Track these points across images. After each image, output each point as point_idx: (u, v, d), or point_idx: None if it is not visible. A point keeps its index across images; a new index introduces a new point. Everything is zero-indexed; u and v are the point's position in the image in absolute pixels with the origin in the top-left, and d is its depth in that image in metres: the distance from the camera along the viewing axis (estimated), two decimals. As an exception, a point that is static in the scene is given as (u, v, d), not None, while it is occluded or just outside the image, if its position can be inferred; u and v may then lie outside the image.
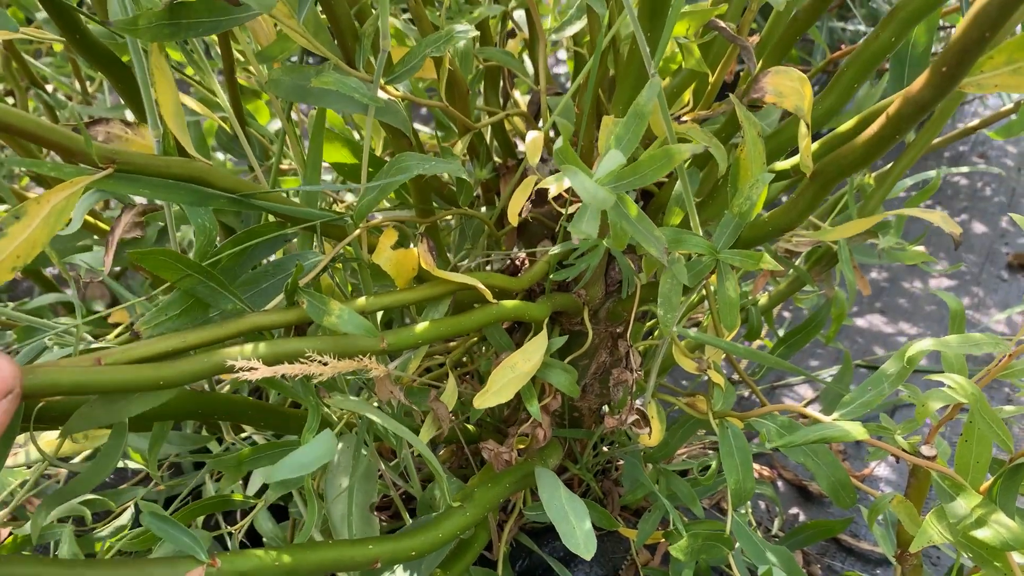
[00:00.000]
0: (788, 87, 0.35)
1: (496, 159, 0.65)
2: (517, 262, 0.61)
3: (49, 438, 0.52)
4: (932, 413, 0.50)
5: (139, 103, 0.55)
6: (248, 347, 0.36)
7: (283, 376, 0.35)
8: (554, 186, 0.42)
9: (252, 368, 0.34)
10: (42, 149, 0.89)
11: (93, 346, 0.41)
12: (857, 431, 0.50)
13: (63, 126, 0.46)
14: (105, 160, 0.35)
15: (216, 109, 0.63)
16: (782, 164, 0.53)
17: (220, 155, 0.75)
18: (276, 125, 0.71)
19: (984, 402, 0.45)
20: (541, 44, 0.54)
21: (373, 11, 0.47)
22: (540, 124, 0.60)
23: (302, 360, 0.36)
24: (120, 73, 0.53)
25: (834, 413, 0.54)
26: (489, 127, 0.60)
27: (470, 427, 0.67)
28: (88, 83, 1.02)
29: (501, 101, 0.64)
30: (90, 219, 0.68)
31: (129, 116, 0.99)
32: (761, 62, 0.48)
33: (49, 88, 0.99)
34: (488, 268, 0.62)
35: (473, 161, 0.59)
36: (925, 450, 0.53)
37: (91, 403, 0.33)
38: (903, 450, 0.53)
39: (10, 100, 0.97)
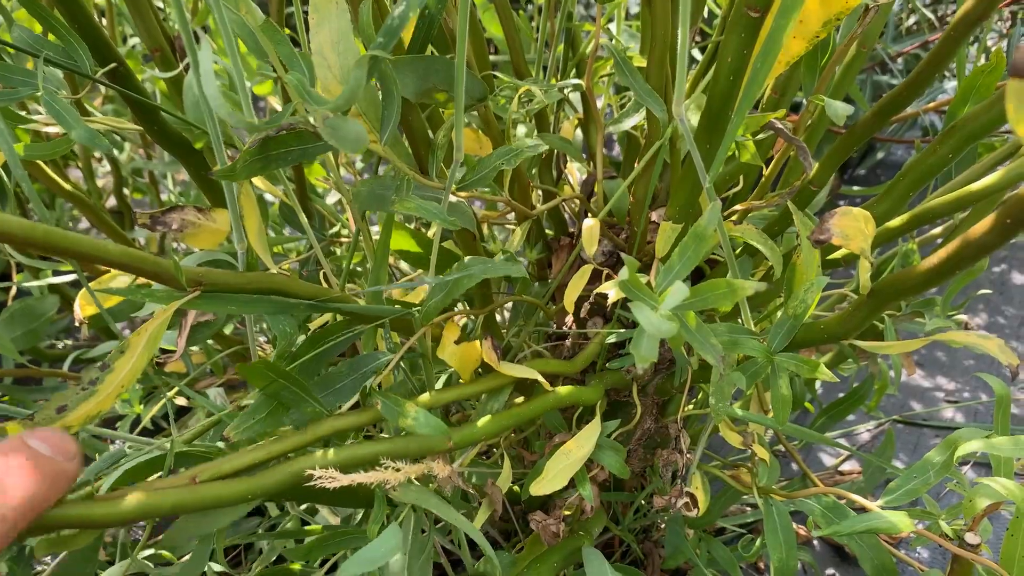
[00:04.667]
0: (853, 228, 0.37)
1: (548, 232, 0.67)
2: (567, 339, 0.63)
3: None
4: (979, 510, 0.51)
5: (211, 186, 0.58)
6: (326, 454, 0.38)
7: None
8: (613, 292, 0.44)
9: (332, 477, 0.36)
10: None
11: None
12: (904, 523, 0.50)
13: (142, 215, 0.49)
14: (193, 283, 0.37)
15: (276, 182, 0.65)
16: (836, 254, 0.55)
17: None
18: (334, 197, 0.73)
19: (1034, 507, 0.46)
20: (599, 133, 0.56)
21: (441, 111, 0.50)
22: (592, 202, 0.61)
23: (376, 467, 0.38)
24: (194, 159, 0.56)
25: (879, 500, 0.55)
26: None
27: (515, 487, 0.68)
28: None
29: (554, 175, 0.66)
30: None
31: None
32: (816, 167, 0.50)
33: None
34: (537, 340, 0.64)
35: (526, 243, 0.61)
36: (969, 538, 0.54)
37: (186, 517, 0.35)
38: (947, 537, 0.54)
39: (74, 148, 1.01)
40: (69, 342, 1.04)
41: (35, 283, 0.66)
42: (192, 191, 0.96)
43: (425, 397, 0.44)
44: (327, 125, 0.30)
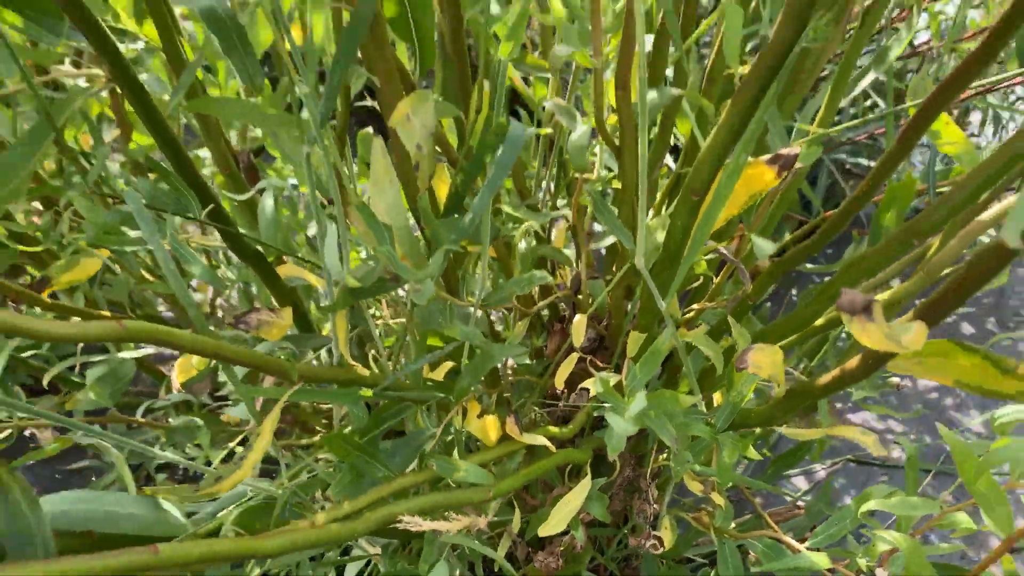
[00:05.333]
0: (766, 361, 0.51)
1: (543, 312, 0.82)
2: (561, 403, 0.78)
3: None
4: (880, 553, 0.65)
5: (280, 289, 0.72)
6: (404, 503, 0.52)
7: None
8: (592, 387, 0.58)
9: (417, 524, 0.50)
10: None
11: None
12: (822, 561, 0.65)
13: (229, 314, 0.63)
14: (300, 376, 0.51)
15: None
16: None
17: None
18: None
19: (918, 553, 0.60)
20: (584, 246, 0.71)
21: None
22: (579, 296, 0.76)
23: (444, 517, 0.53)
24: (264, 267, 0.70)
25: (807, 542, 0.69)
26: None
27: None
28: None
29: (549, 267, 0.81)
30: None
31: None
32: (756, 283, 0.65)
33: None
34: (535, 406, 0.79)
35: (530, 333, 0.76)
36: (879, 572, 0.68)
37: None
38: (861, 572, 0.69)
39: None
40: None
41: (127, 354, 0.80)
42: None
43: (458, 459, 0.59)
44: (414, 290, 0.45)
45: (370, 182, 0.54)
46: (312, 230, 0.90)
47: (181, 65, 0.65)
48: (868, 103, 1.48)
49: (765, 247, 0.60)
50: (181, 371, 0.74)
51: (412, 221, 0.53)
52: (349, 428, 0.58)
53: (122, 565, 0.37)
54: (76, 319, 0.69)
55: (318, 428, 0.91)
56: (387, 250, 0.47)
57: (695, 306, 0.71)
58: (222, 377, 1.01)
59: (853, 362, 0.48)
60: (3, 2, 0.55)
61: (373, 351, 0.77)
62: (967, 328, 1.55)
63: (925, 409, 1.36)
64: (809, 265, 1.12)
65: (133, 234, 0.58)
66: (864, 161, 1.40)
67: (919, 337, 0.40)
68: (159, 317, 1.03)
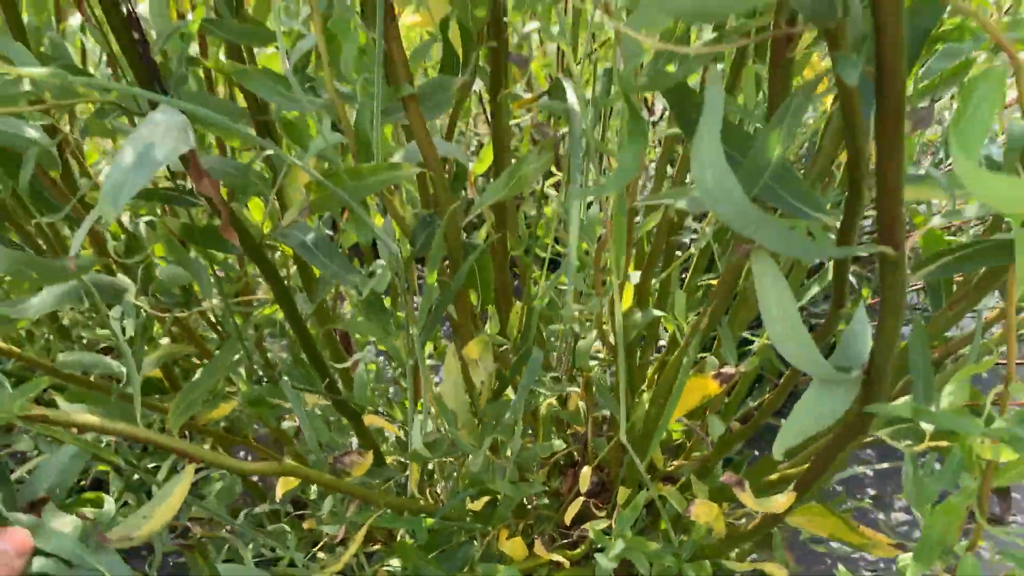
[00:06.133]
0: (705, 513, 0.74)
1: (560, 456, 1.05)
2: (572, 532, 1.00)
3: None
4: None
5: (364, 433, 0.97)
6: None
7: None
8: (591, 533, 0.81)
9: None
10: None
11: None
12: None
13: (331, 456, 0.88)
14: (385, 505, 0.75)
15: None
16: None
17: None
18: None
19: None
20: (591, 413, 0.95)
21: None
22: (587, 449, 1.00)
23: None
24: (357, 420, 0.96)
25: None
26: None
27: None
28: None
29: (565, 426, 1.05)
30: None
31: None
32: (722, 443, 0.89)
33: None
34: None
35: (549, 475, 0.99)
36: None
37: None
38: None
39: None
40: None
41: (230, 470, 1.05)
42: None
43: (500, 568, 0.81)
44: (473, 459, 0.69)
45: (444, 374, 0.80)
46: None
47: (304, 269, 0.93)
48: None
49: (716, 427, 0.84)
50: (283, 485, 0.98)
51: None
52: (411, 541, 0.81)
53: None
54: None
55: (378, 538, 1.14)
56: (453, 432, 0.72)
57: (674, 463, 0.94)
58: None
59: (753, 525, 0.71)
60: (196, 240, 0.83)
61: (429, 488, 1.02)
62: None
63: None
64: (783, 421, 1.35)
65: (276, 401, 0.84)
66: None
67: (787, 503, 0.63)
68: (253, 438, 1.28)
